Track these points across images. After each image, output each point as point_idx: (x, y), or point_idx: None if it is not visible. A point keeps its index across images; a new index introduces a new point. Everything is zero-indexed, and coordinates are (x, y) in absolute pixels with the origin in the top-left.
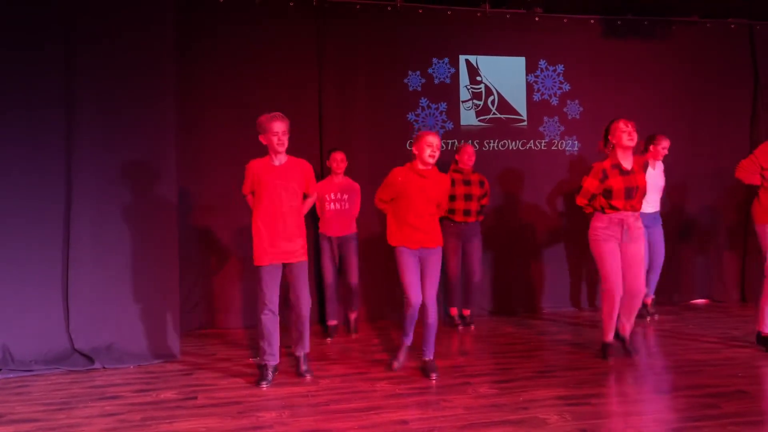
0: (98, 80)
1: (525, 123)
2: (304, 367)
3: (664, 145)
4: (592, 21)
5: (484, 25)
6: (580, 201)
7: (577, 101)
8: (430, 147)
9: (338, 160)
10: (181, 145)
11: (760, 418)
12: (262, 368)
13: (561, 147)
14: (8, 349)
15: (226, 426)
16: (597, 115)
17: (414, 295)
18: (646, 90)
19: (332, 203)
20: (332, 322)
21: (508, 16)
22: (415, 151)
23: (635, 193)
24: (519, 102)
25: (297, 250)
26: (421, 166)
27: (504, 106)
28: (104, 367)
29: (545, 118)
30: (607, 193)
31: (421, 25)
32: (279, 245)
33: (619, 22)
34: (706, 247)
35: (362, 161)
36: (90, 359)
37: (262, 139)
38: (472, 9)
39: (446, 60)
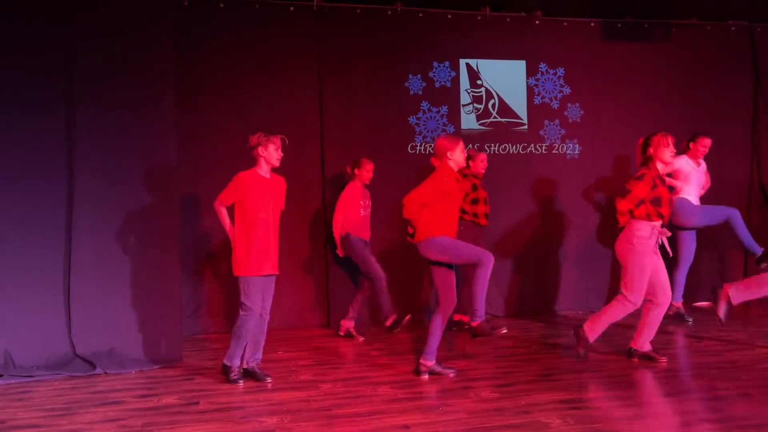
0: (98, 82)
1: (526, 126)
2: (259, 372)
3: (704, 143)
4: (592, 24)
5: (484, 28)
6: (626, 206)
7: (577, 104)
8: (463, 153)
9: (370, 169)
10: (181, 149)
11: (764, 422)
12: (230, 368)
13: (562, 150)
14: (10, 354)
15: (228, 431)
16: (598, 118)
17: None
18: (647, 92)
19: (363, 209)
20: (394, 316)
21: (508, 20)
22: (452, 156)
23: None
24: (519, 105)
25: (275, 262)
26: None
27: (504, 109)
28: (106, 373)
29: (546, 122)
30: (657, 201)
31: (421, 29)
32: (268, 256)
33: (619, 25)
34: (708, 249)
35: None
36: (91, 364)
37: (261, 150)
38: (472, 13)
39: (447, 63)
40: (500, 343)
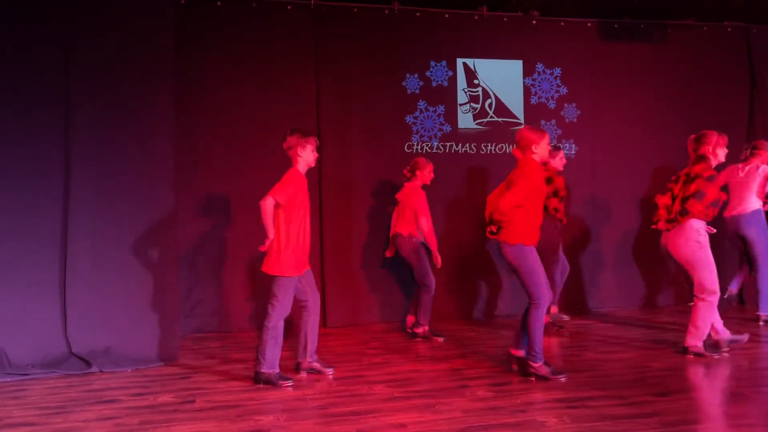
0: (96, 81)
1: (522, 126)
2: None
3: None
4: (589, 24)
5: (481, 28)
6: (699, 208)
7: (574, 104)
8: (548, 146)
9: (431, 170)
10: (178, 147)
11: (760, 421)
12: (275, 376)
13: None
14: (5, 352)
15: (224, 429)
16: (594, 118)
17: (549, 292)
18: (644, 93)
19: None
20: (426, 328)
21: (505, 20)
22: (537, 150)
23: None
24: (516, 105)
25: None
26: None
27: (501, 109)
28: (102, 371)
29: (542, 122)
30: (716, 203)
31: (418, 29)
32: (306, 255)
33: (616, 26)
34: None
35: (360, 164)
36: (87, 363)
37: (299, 151)
38: (469, 12)
39: (444, 63)
40: (496, 342)
